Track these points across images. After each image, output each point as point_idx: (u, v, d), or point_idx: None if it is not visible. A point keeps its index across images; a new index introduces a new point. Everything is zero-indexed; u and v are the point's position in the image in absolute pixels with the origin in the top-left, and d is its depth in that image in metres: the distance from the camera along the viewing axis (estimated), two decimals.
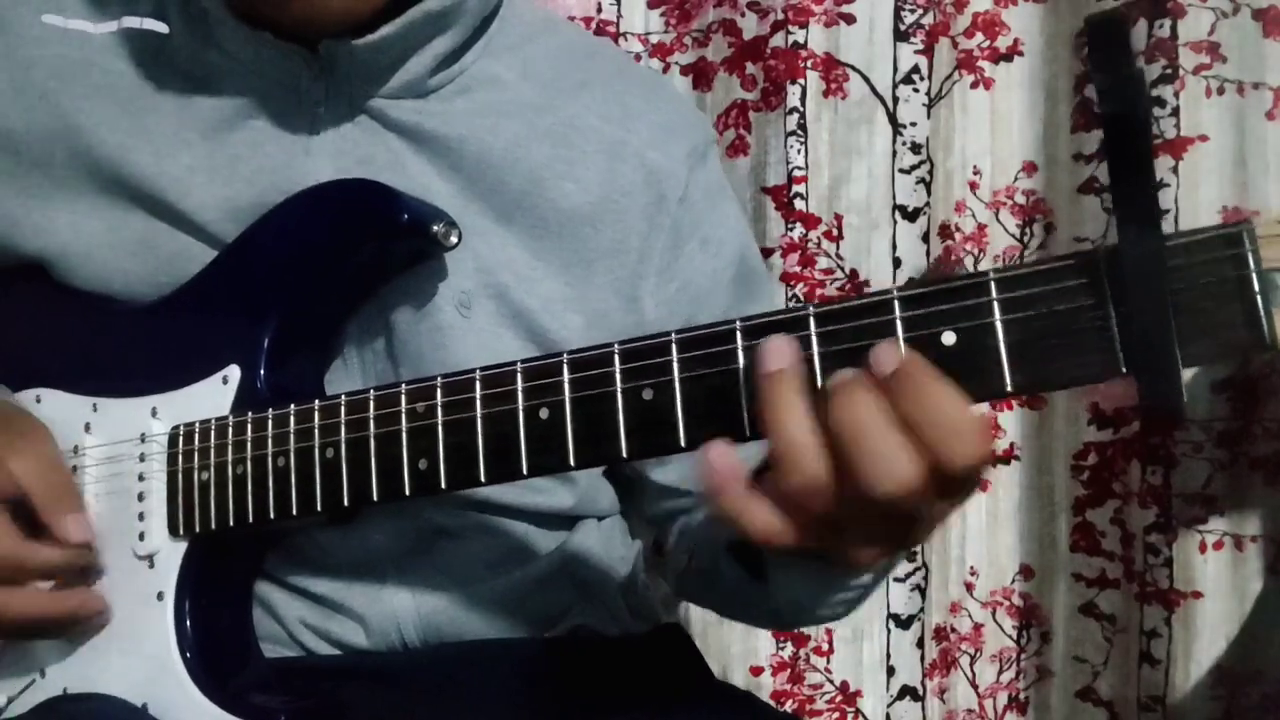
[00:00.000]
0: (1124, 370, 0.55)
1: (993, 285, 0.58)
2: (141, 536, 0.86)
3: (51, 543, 0.85)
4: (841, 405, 0.58)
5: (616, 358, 0.67)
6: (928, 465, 0.57)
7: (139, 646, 0.86)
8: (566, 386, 0.68)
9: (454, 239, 0.84)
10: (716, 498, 0.61)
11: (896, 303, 0.60)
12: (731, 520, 0.62)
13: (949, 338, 0.58)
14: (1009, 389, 0.57)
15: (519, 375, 0.70)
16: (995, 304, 0.58)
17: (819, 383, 0.61)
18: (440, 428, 0.73)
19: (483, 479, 0.72)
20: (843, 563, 0.63)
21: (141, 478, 0.87)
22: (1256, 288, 0.52)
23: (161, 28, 0.91)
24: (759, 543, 0.62)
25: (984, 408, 1.74)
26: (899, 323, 0.59)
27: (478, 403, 0.72)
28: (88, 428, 0.90)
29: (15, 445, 0.86)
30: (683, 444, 0.65)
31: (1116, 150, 0.53)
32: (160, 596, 0.85)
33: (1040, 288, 0.57)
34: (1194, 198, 1.67)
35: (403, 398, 0.75)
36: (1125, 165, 0.53)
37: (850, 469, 0.58)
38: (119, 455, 0.88)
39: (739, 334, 0.63)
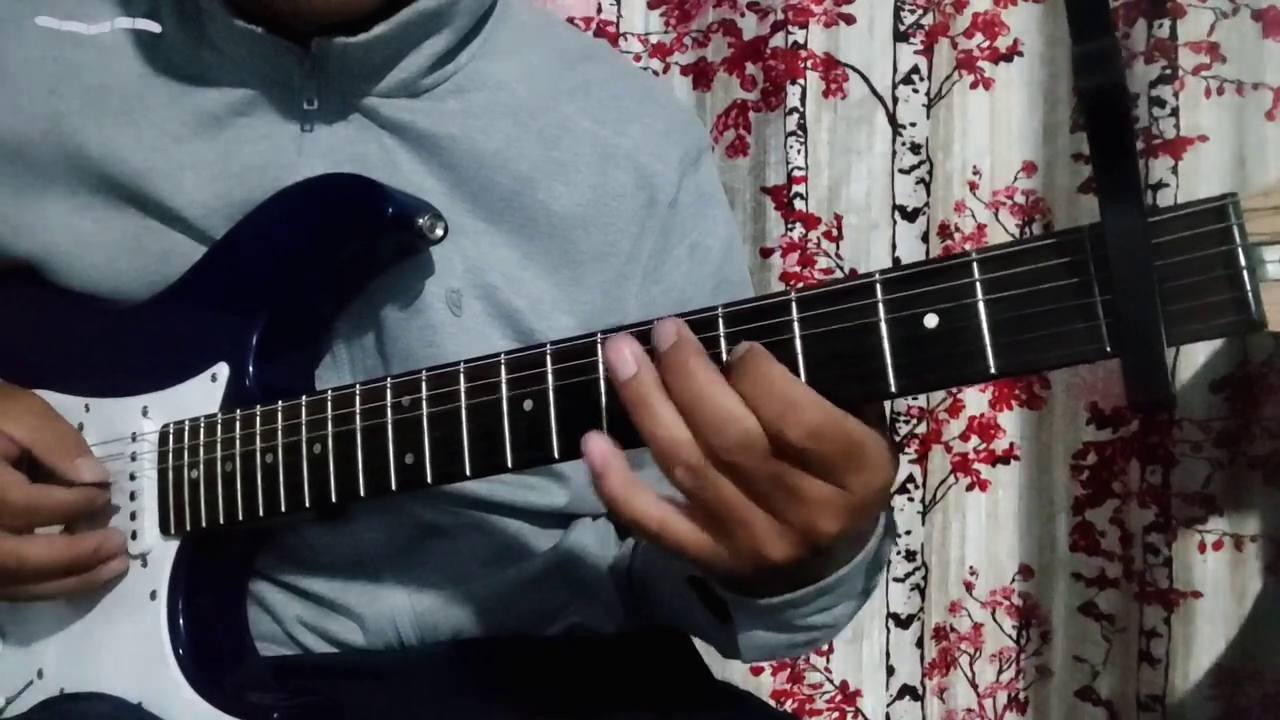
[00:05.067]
0: (1109, 350, 0.54)
1: (975, 266, 0.57)
2: (134, 535, 0.86)
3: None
4: (676, 377, 0.61)
5: (599, 348, 0.66)
6: (768, 431, 0.59)
7: (133, 645, 0.85)
8: (550, 377, 0.68)
9: (439, 231, 0.83)
10: (600, 482, 0.62)
11: (878, 285, 0.59)
12: (617, 506, 0.62)
13: (931, 320, 0.58)
14: (993, 371, 0.57)
15: (503, 367, 0.70)
16: (978, 284, 0.57)
17: (800, 366, 0.61)
18: (425, 420, 0.73)
19: (468, 472, 0.71)
20: (756, 564, 0.63)
21: (133, 477, 0.87)
22: (1243, 262, 0.51)
23: (155, 27, 0.91)
24: (652, 536, 0.63)
25: (982, 406, 1.77)
26: (881, 305, 0.59)
27: (462, 395, 0.71)
28: (81, 428, 0.89)
29: (6, 408, 0.86)
30: None
31: (1096, 123, 0.52)
32: (153, 595, 0.85)
33: (1023, 267, 0.56)
34: (1193, 198, 1.67)
35: (388, 391, 0.75)
36: (1106, 139, 0.52)
37: (698, 431, 0.60)
38: (111, 455, 0.88)
39: (721, 320, 0.63)
